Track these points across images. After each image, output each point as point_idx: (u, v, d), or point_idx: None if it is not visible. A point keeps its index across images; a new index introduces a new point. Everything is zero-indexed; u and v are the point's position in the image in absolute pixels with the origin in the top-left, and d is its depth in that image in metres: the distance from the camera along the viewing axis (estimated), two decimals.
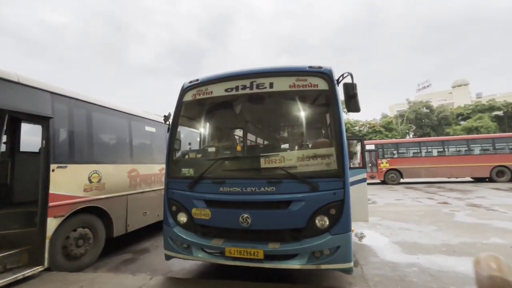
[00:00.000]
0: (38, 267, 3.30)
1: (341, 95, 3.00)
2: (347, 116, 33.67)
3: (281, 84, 3.04)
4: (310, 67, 3.02)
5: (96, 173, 4.16)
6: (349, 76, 2.95)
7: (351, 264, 2.64)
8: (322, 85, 2.93)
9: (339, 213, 2.63)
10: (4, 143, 4.38)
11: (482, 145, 15.66)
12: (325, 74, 2.95)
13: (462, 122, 36.44)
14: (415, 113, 36.99)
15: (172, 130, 3.37)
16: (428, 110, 37.12)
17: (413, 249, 4.40)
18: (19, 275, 3.09)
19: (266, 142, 5.65)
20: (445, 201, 9.32)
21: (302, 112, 3.49)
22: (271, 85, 3.05)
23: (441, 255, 4.12)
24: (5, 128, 3.09)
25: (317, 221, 2.66)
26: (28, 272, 3.18)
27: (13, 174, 4.35)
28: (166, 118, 3.57)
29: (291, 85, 2.98)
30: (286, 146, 4.43)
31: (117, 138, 4.92)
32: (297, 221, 2.69)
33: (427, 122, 36.04)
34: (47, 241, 3.39)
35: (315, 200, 2.66)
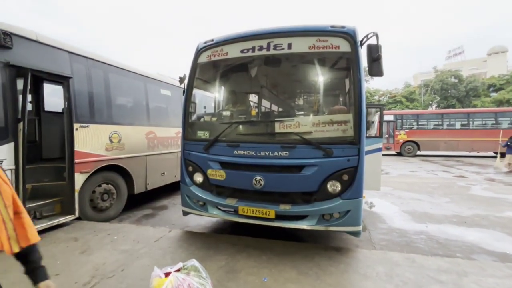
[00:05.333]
0: (70, 216, 3.66)
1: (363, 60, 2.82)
2: (367, 85, 32.03)
3: (300, 45, 2.89)
4: (332, 26, 2.81)
5: (116, 133, 4.33)
6: (374, 37, 2.74)
7: (360, 227, 2.73)
8: (344, 46, 2.75)
9: (351, 179, 2.65)
10: (30, 102, 4.56)
11: (511, 118, 14.70)
12: (348, 35, 2.74)
13: (493, 94, 33.77)
14: (442, 83, 34.44)
15: (188, 92, 3.37)
16: (456, 80, 34.38)
17: (422, 218, 4.45)
18: (54, 221, 3.47)
19: (281, 107, 5.56)
20: (462, 174, 9.12)
21: (321, 76, 3.35)
22: (289, 46, 2.90)
23: (451, 225, 4.15)
24: (29, 87, 3.20)
25: (329, 186, 2.70)
26: (61, 220, 3.55)
27: (41, 132, 4.61)
28: (181, 79, 3.54)
29: (311, 46, 2.82)
30: (302, 111, 4.34)
31: (134, 100, 5.00)
32: (309, 185, 2.75)
33: (453, 93, 33.62)
34: (76, 194, 3.71)
35: (328, 165, 2.68)
